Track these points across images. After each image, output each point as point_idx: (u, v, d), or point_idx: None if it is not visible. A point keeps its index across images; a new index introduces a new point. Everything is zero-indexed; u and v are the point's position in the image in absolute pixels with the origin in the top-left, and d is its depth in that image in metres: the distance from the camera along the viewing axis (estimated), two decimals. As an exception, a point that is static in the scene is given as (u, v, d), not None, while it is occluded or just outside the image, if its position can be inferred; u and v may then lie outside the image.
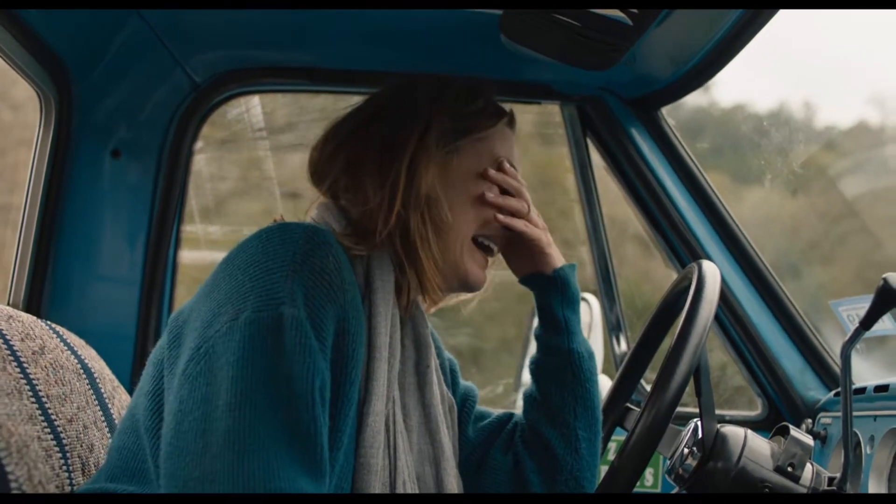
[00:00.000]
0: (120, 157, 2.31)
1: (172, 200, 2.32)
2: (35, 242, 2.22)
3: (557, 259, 1.65)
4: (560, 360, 1.65)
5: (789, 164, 3.19)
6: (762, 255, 2.39)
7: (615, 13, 1.79)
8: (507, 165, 1.57)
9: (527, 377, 2.63)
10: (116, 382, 1.75)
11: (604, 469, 2.27)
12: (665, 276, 2.84)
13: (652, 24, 1.79)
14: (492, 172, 1.55)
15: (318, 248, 1.29)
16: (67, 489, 1.42)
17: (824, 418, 2.19)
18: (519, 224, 1.58)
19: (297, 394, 1.21)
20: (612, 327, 2.53)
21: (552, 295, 1.65)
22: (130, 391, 1.76)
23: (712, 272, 1.55)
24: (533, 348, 2.64)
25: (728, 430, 1.59)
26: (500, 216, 1.56)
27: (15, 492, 1.26)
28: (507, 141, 1.60)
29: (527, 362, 2.83)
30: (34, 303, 2.21)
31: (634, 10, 1.73)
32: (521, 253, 1.64)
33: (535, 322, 2.36)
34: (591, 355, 1.67)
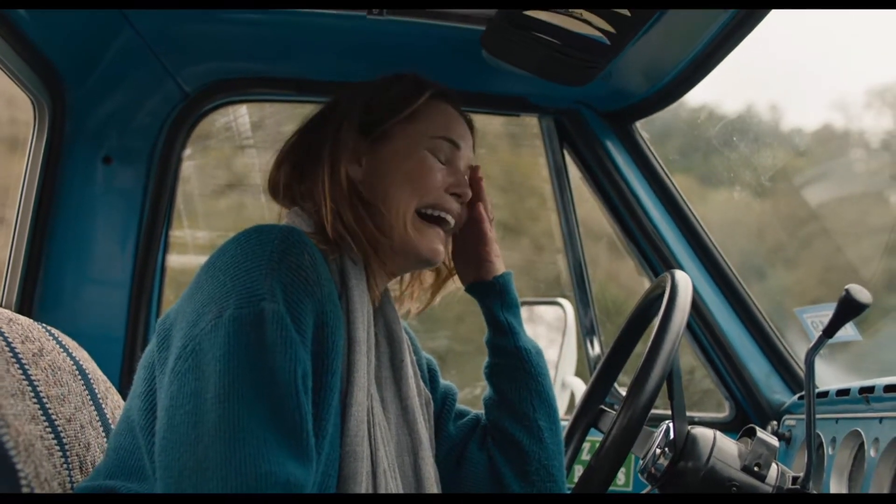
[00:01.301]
0: (111, 164, 2.33)
1: (162, 206, 2.35)
2: (27, 245, 2.24)
3: (501, 266, 1.72)
4: (510, 359, 1.71)
5: (754, 168, 3.24)
6: (730, 262, 2.44)
7: (593, 33, 1.85)
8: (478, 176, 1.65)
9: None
10: (109, 383, 1.77)
11: (578, 469, 2.34)
12: (631, 276, 2.89)
13: (628, 43, 1.86)
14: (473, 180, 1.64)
15: (293, 246, 1.34)
16: (68, 486, 1.45)
17: (789, 420, 2.24)
18: (489, 228, 1.69)
19: (281, 383, 1.26)
20: (587, 331, 2.57)
21: (493, 300, 1.72)
22: (120, 392, 1.80)
23: (685, 282, 1.60)
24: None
25: (698, 431, 1.63)
26: (486, 214, 1.66)
27: (25, 489, 1.29)
28: (442, 115, 1.64)
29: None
30: (26, 305, 2.23)
31: (612, 31, 1.79)
32: (469, 259, 1.72)
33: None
34: (538, 352, 1.73)
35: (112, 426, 1.68)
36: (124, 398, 1.79)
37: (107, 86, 2.26)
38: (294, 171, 1.60)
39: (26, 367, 1.52)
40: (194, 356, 1.27)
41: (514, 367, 1.71)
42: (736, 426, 2.34)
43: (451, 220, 1.63)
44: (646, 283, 2.55)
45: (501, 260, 1.72)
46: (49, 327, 1.70)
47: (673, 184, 2.42)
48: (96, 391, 1.70)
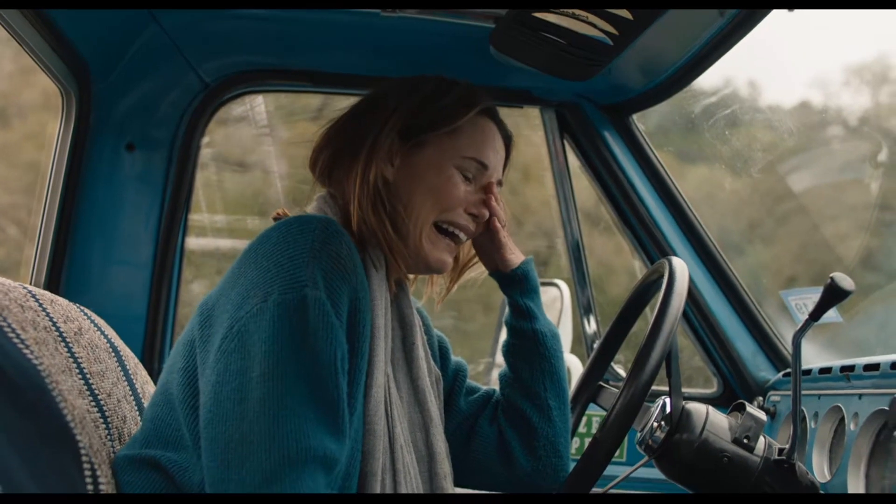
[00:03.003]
0: (134, 151, 2.40)
1: (182, 190, 2.42)
2: (55, 228, 2.31)
3: (517, 259, 1.77)
4: (527, 341, 1.78)
5: (732, 145, 3.27)
6: (719, 248, 2.52)
7: (597, 34, 1.93)
8: (495, 190, 1.66)
9: (501, 358, 2.75)
10: (136, 359, 1.84)
11: (576, 441, 2.43)
12: (608, 253, 2.94)
13: (630, 43, 1.93)
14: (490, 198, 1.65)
15: (332, 236, 1.41)
16: (112, 457, 1.51)
17: (773, 396, 2.32)
18: (502, 232, 1.73)
19: (322, 365, 1.34)
20: (584, 310, 2.64)
21: (514, 288, 1.78)
22: (146, 368, 1.88)
23: (682, 269, 1.66)
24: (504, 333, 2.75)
25: (692, 406, 1.71)
26: (498, 223, 1.69)
27: (84, 457, 1.37)
28: (480, 134, 1.65)
29: (500, 343, 2.93)
30: (53, 285, 2.31)
31: (615, 32, 1.87)
32: (487, 253, 1.77)
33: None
34: (554, 335, 1.80)
35: (143, 400, 1.74)
36: (149, 374, 1.88)
37: (131, 77, 2.34)
38: (332, 157, 1.63)
39: (70, 345, 1.59)
40: (240, 337, 1.35)
41: (530, 348, 1.77)
42: (723, 402, 2.44)
43: (464, 237, 1.68)
44: (624, 260, 2.63)
45: (517, 252, 1.77)
46: (82, 307, 1.76)
47: (667, 173, 2.50)
48: (127, 367, 1.76)
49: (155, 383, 1.85)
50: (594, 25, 1.88)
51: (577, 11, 1.82)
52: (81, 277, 2.37)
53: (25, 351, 1.40)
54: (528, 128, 3.02)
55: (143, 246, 2.43)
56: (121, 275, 2.43)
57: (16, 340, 1.40)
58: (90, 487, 1.35)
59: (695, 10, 1.78)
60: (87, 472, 1.36)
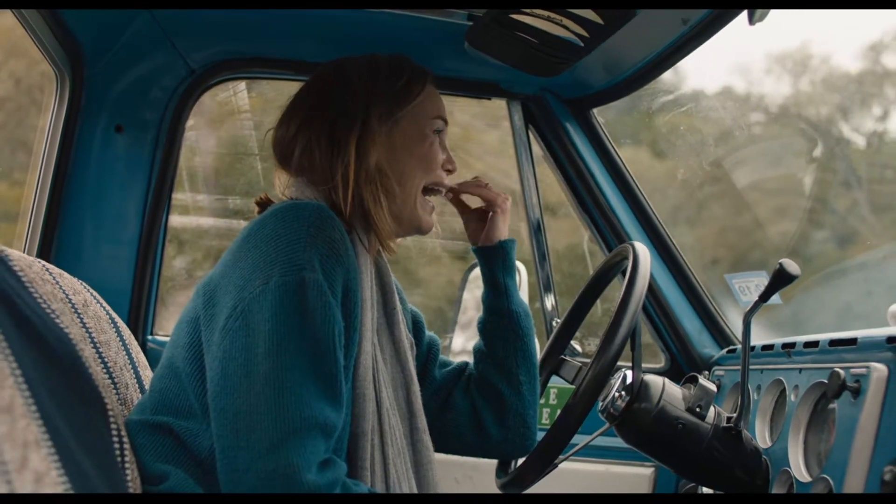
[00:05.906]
0: (123, 132, 2.44)
1: (168, 171, 2.47)
2: (46, 205, 2.36)
3: (505, 232, 1.86)
4: (502, 319, 1.86)
5: (656, 127, 3.37)
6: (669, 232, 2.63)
7: (568, 35, 2.03)
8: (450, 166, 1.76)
9: (457, 343, 2.83)
10: (129, 330, 1.89)
11: (542, 411, 2.54)
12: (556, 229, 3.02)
13: (598, 45, 2.04)
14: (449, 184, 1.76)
15: (326, 222, 1.50)
16: (123, 422, 1.59)
17: (718, 371, 2.42)
18: (490, 194, 1.83)
19: (321, 341, 1.43)
20: (544, 287, 2.71)
21: (496, 262, 1.85)
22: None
23: (645, 253, 1.78)
24: (465, 308, 2.82)
25: (650, 378, 1.81)
26: (485, 192, 1.81)
27: (112, 419, 1.45)
28: (436, 97, 1.75)
29: (459, 321, 2.96)
30: (44, 258, 2.31)
31: (585, 34, 1.97)
32: (479, 223, 1.86)
33: (466, 284, 2.55)
34: (527, 314, 1.88)
35: (138, 368, 1.81)
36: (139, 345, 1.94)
37: (122, 62, 2.38)
38: (309, 147, 1.67)
39: (82, 316, 1.65)
40: (244, 316, 1.43)
41: (505, 327, 1.86)
42: (670, 376, 2.50)
43: (444, 192, 1.78)
44: (552, 241, 2.71)
45: (504, 228, 1.86)
46: (82, 281, 1.80)
47: (623, 163, 2.59)
48: (124, 337, 1.82)
49: (144, 354, 1.93)
50: (566, 28, 1.97)
51: (552, 14, 1.91)
52: (71, 252, 2.40)
53: (57, 321, 1.47)
54: (460, 113, 3.11)
55: (129, 223, 2.47)
56: (109, 250, 2.47)
57: (48, 311, 1.47)
58: (116, 446, 1.43)
59: (660, 18, 1.89)
60: (115, 432, 1.44)
